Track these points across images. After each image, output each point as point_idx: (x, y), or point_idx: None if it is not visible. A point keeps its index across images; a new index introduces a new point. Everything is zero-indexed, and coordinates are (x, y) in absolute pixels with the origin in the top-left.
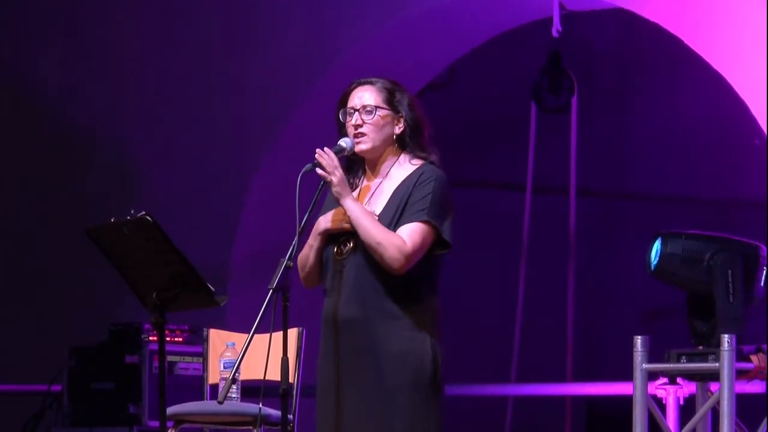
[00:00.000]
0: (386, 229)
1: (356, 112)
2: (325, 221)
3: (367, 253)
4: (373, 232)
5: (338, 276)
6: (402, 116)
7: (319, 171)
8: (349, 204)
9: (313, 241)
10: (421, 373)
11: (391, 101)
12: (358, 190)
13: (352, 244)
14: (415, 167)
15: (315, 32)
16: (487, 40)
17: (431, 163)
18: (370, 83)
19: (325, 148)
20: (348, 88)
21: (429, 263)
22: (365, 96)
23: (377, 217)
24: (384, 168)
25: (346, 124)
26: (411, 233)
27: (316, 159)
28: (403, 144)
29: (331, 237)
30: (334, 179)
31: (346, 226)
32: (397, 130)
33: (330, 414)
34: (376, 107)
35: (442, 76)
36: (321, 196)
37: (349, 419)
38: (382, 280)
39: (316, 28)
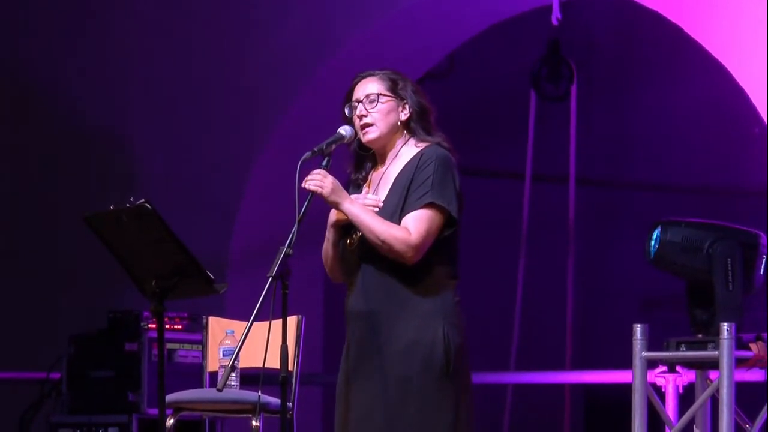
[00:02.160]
0: (388, 224)
1: (360, 104)
2: (335, 213)
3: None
4: (376, 230)
5: (351, 268)
6: (407, 102)
7: (309, 187)
8: (347, 207)
9: (328, 234)
10: (431, 361)
11: (394, 89)
12: (368, 181)
13: (360, 234)
14: (419, 149)
15: (314, 22)
16: (486, 28)
17: (437, 144)
18: (372, 74)
19: (309, 176)
20: (351, 83)
21: (439, 246)
22: (368, 87)
23: (382, 204)
24: (390, 156)
25: (353, 118)
26: (416, 222)
27: (305, 186)
28: (411, 130)
29: (344, 229)
30: (326, 191)
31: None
32: (403, 116)
33: (342, 405)
34: (379, 95)
35: (441, 64)
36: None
37: (359, 411)
38: (391, 270)
39: (316, 19)
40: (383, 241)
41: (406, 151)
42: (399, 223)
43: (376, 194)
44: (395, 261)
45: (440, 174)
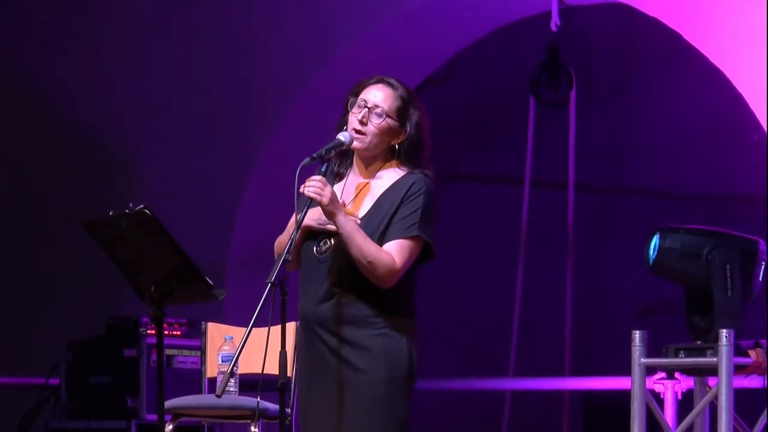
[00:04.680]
0: (377, 247)
1: (366, 108)
2: (308, 218)
3: (347, 254)
4: (365, 251)
5: (316, 275)
6: (405, 131)
7: (308, 193)
8: (341, 221)
9: (295, 235)
10: (397, 368)
11: (402, 113)
12: (344, 183)
13: (332, 243)
14: (404, 173)
15: (313, 27)
16: (486, 34)
17: (424, 174)
18: (391, 87)
19: (308, 180)
20: (368, 80)
21: (410, 271)
22: (380, 97)
23: (359, 220)
24: (373, 169)
25: (351, 113)
26: (401, 250)
27: (303, 192)
28: (398, 154)
29: (310, 232)
30: (324, 200)
31: (330, 227)
32: (396, 141)
33: (309, 409)
34: (387, 114)
35: (440, 70)
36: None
37: (322, 417)
38: (361, 282)
39: (315, 23)
40: (369, 263)
41: (391, 171)
42: (377, 243)
43: (353, 204)
44: (360, 275)
45: (428, 208)
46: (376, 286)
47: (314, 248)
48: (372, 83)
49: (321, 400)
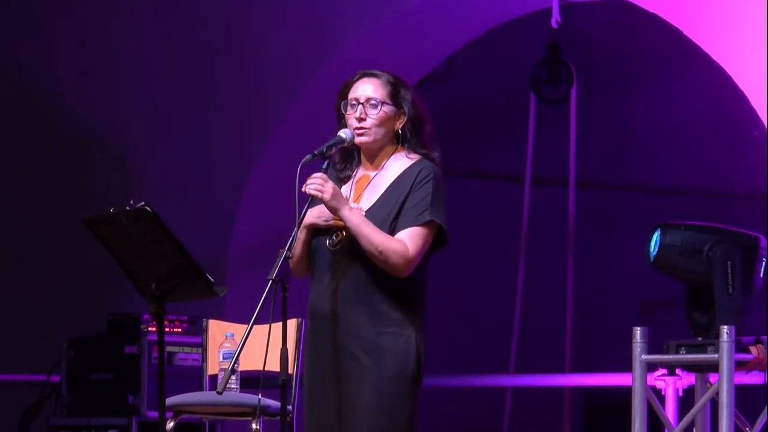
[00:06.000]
0: (387, 236)
1: (360, 105)
2: (312, 216)
3: (359, 246)
4: (375, 241)
5: (328, 268)
6: (404, 112)
7: (309, 190)
8: (346, 214)
9: (300, 234)
10: (404, 368)
11: (395, 96)
12: (352, 181)
13: (344, 235)
14: (412, 161)
15: (314, 24)
16: (486, 31)
17: (429, 159)
18: (376, 76)
19: (309, 178)
20: (351, 79)
21: (422, 267)
22: (370, 89)
23: (368, 211)
24: (380, 161)
25: (347, 115)
26: (413, 237)
27: (305, 190)
28: (403, 139)
29: (319, 230)
30: (326, 196)
31: (338, 223)
32: (398, 125)
33: (312, 409)
34: (383, 102)
35: (441, 67)
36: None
37: (329, 407)
38: (374, 275)
39: (315, 20)
40: (380, 252)
41: (396, 161)
42: (388, 233)
43: (360, 199)
44: (375, 266)
45: (438, 193)
46: (387, 282)
47: (327, 241)
48: (356, 80)
49: (325, 394)
